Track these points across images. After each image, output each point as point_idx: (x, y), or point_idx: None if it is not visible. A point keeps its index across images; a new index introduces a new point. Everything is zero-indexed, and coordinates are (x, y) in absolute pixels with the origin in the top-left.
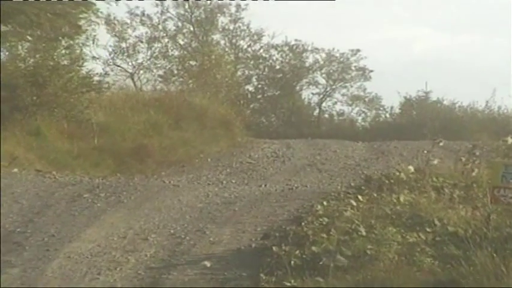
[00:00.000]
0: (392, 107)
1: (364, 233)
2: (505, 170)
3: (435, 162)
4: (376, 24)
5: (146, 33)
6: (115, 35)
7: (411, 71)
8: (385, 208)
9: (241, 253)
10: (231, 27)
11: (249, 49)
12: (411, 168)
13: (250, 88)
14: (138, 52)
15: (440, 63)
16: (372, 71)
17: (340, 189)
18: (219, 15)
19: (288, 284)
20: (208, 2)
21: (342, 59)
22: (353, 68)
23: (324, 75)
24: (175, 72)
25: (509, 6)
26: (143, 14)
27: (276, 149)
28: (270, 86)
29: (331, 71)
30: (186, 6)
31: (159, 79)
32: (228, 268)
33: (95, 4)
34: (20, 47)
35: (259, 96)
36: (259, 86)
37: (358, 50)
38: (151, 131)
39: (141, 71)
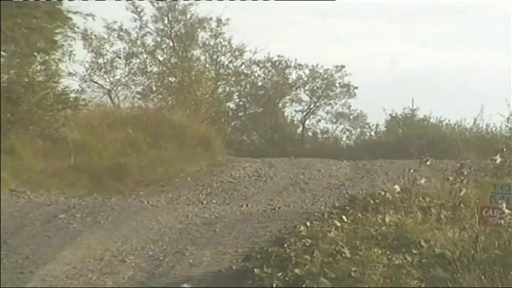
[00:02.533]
0: (377, 125)
1: (348, 255)
2: (493, 190)
3: (422, 181)
4: (361, 40)
5: (124, 48)
6: (92, 51)
7: (397, 88)
8: (370, 229)
9: (221, 275)
10: (212, 43)
11: (230, 65)
12: (397, 187)
13: (232, 105)
14: (116, 68)
15: (427, 79)
16: (356, 87)
17: (324, 210)
18: (199, 30)
19: None
20: (189, 16)
21: (326, 76)
22: (337, 85)
23: (307, 92)
24: (154, 88)
25: (497, 22)
26: (121, 29)
27: (258, 168)
28: (251, 103)
29: (315, 87)
30: (166, 21)
31: (138, 96)
32: None
33: (71, 19)
34: None
35: (240, 114)
36: (241, 103)
37: (342, 66)
38: (130, 149)
39: (119, 88)
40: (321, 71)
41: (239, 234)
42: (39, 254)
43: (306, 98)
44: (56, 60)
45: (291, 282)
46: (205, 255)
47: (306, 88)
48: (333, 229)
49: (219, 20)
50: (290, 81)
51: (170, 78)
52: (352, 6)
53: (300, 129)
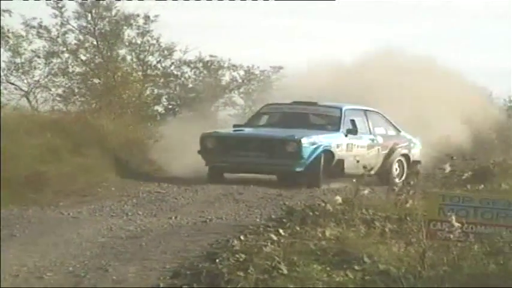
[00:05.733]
0: None
1: (285, 271)
2: (442, 202)
3: (365, 192)
4: (302, 39)
5: (44, 47)
6: (9, 49)
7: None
8: (309, 243)
9: None
10: (139, 41)
11: (159, 65)
12: (338, 198)
13: (160, 109)
14: (35, 68)
15: None
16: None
17: (260, 222)
18: (125, 27)
19: None
20: (114, 13)
21: (262, 77)
22: (274, 87)
23: (242, 94)
24: (77, 91)
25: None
26: (40, 26)
27: (188, 176)
28: (182, 107)
29: (250, 90)
30: (89, 18)
31: (58, 99)
32: None
33: None
34: None
35: (169, 118)
36: (170, 106)
37: (280, 68)
38: (49, 156)
39: (38, 90)
40: (257, 72)
41: (167, 248)
42: None
43: (240, 102)
44: None
45: None
46: (130, 271)
47: (241, 91)
48: (268, 243)
49: (146, 17)
50: (223, 83)
51: (94, 80)
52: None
53: None
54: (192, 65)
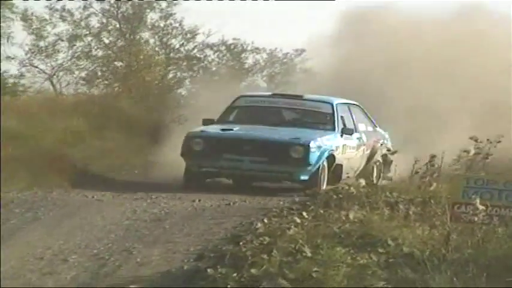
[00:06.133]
0: None
1: (309, 254)
2: (466, 185)
3: (389, 175)
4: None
5: (67, 30)
6: (32, 33)
7: None
8: (333, 226)
9: (172, 276)
10: (162, 24)
11: (182, 49)
12: (362, 181)
13: (183, 92)
14: (58, 52)
15: None
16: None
17: (283, 205)
18: (148, 10)
19: None
20: None
21: (285, 60)
22: (298, 70)
23: (265, 77)
24: (100, 74)
25: None
26: (64, 10)
27: None
28: (205, 90)
29: (273, 73)
30: (112, 1)
31: (81, 82)
32: None
33: None
34: None
35: (192, 102)
36: (193, 89)
37: (303, 50)
38: (73, 139)
39: (61, 73)
40: (280, 55)
41: (191, 231)
42: None
43: (263, 84)
44: None
45: (246, 283)
46: (154, 253)
47: (264, 73)
48: (292, 226)
49: (169, 1)
50: (246, 66)
51: (117, 63)
52: None
53: None
54: (215, 48)
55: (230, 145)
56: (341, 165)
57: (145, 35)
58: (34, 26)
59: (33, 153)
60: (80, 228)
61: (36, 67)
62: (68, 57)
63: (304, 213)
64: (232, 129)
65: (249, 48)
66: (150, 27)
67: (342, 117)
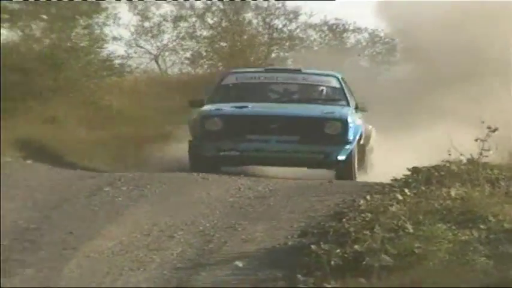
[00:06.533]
0: None
1: (411, 230)
2: None
3: (491, 152)
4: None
5: (172, 11)
6: (138, 14)
7: None
8: (434, 203)
9: (276, 252)
10: (265, 5)
11: (285, 29)
12: (463, 158)
13: None
14: (163, 32)
15: None
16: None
17: (385, 183)
18: None
19: (328, 286)
20: None
21: (387, 40)
22: (399, 50)
23: (366, 57)
24: (204, 54)
25: None
26: None
27: None
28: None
29: (375, 53)
30: None
31: (186, 62)
32: (261, 268)
33: None
34: (34, 27)
35: None
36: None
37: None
38: (178, 118)
39: (167, 53)
40: (382, 34)
41: (294, 208)
42: (83, 229)
43: (365, 64)
44: (100, 24)
45: (350, 259)
46: (258, 230)
47: (365, 53)
48: (394, 203)
49: None
50: (348, 46)
51: (221, 43)
52: None
53: None
54: (317, 29)
55: (254, 124)
56: (363, 146)
57: (249, 15)
58: (139, 7)
59: (140, 131)
60: (186, 205)
61: (142, 47)
62: (172, 37)
63: (406, 190)
64: (247, 107)
65: (350, 28)
66: (253, 7)
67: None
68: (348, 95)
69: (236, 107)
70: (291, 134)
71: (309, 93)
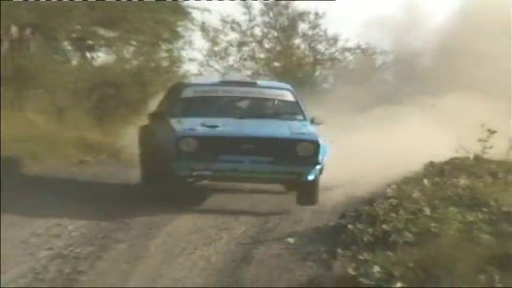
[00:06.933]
0: None
1: (428, 213)
2: None
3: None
4: None
5: (236, 38)
6: (209, 40)
7: None
8: (447, 191)
9: (320, 231)
10: (310, 33)
11: (326, 52)
12: (470, 156)
13: (327, 86)
14: (229, 55)
15: None
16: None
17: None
18: (299, 22)
19: (361, 257)
20: (290, 10)
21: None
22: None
23: (391, 74)
24: (262, 72)
25: None
26: (233, 22)
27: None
28: (344, 84)
29: (399, 70)
30: (271, 15)
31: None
32: (308, 244)
33: (191, 13)
34: (125, 51)
35: (334, 93)
36: (333, 85)
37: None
38: None
39: (232, 72)
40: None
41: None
42: (167, 213)
43: (390, 79)
44: (178, 48)
45: (379, 236)
46: (306, 214)
47: (391, 71)
48: (416, 191)
49: (316, 14)
50: (376, 66)
51: (275, 63)
52: None
53: None
54: (352, 51)
55: (228, 144)
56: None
57: (297, 41)
58: (210, 35)
59: None
60: (248, 194)
61: (212, 67)
62: (236, 59)
63: (425, 181)
64: (217, 126)
65: (378, 50)
66: (301, 35)
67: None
68: (303, 108)
69: (208, 126)
70: (264, 155)
71: (269, 108)
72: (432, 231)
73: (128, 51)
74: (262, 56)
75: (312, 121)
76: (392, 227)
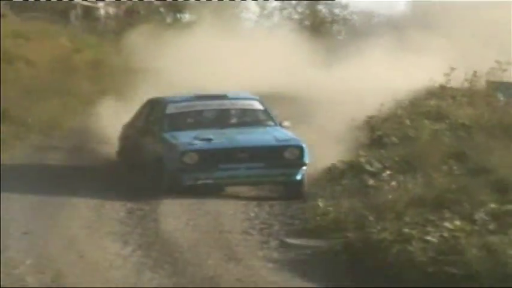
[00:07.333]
0: None
1: (408, 123)
2: None
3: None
4: None
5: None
6: None
7: None
8: (421, 108)
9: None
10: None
11: (340, 14)
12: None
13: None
14: None
15: None
16: None
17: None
18: None
19: (363, 153)
20: None
21: None
22: None
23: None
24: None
25: None
26: None
27: None
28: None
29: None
30: None
31: None
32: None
33: None
34: None
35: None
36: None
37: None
38: None
39: None
40: None
41: None
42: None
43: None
44: None
45: (375, 139)
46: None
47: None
48: (399, 109)
49: None
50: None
51: (306, 22)
52: None
53: None
54: (358, 14)
55: (225, 155)
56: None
57: (320, 7)
58: None
59: None
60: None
61: None
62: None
63: (406, 102)
64: (211, 138)
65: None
66: (322, 3)
67: None
68: (272, 115)
69: (203, 140)
70: (257, 161)
71: (245, 116)
72: (411, 136)
73: None
74: (296, 17)
75: (281, 125)
76: (383, 133)
